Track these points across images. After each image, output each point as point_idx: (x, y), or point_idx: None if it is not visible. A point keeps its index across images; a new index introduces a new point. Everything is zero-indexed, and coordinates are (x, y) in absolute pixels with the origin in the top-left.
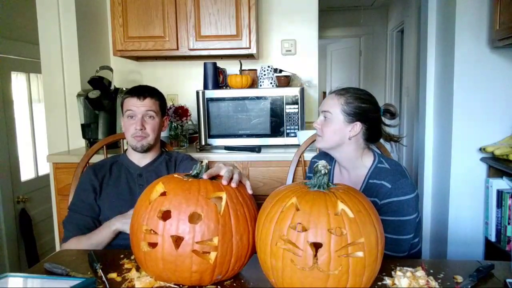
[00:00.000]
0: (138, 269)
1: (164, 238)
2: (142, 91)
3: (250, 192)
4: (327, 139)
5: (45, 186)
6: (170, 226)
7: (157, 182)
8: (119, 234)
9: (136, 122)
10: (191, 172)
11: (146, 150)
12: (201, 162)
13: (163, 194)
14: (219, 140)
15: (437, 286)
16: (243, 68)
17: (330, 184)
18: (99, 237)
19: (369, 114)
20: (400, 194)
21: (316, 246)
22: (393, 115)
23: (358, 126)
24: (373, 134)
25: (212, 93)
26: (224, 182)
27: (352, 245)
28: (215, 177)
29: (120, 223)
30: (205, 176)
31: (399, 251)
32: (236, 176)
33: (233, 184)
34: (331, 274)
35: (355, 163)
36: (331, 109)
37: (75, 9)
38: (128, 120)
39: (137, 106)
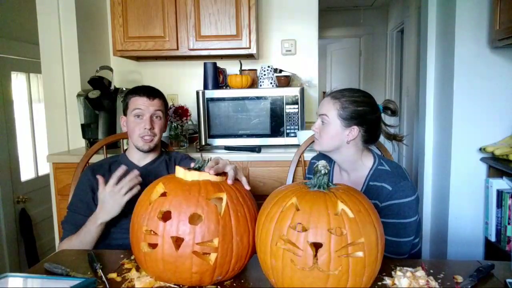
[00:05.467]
0: (138, 269)
1: (164, 239)
2: (152, 91)
3: (247, 188)
4: (325, 143)
5: (45, 186)
6: (170, 227)
7: (157, 183)
8: (119, 235)
9: (145, 122)
10: (193, 165)
11: (150, 150)
12: (204, 159)
13: (163, 194)
14: (219, 140)
15: (437, 286)
16: (243, 68)
17: (330, 184)
18: (88, 234)
19: (366, 117)
20: (401, 197)
21: (316, 246)
22: (393, 112)
23: (355, 130)
24: (372, 136)
25: (212, 93)
26: (229, 181)
27: (352, 245)
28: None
29: (102, 214)
30: (212, 171)
31: (400, 253)
32: (231, 173)
33: (229, 181)
34: (331, 274)
35: (355, 165)
36: (328, 113)
37: (75, 9)
38: (135, 119)
39: (147, 106)
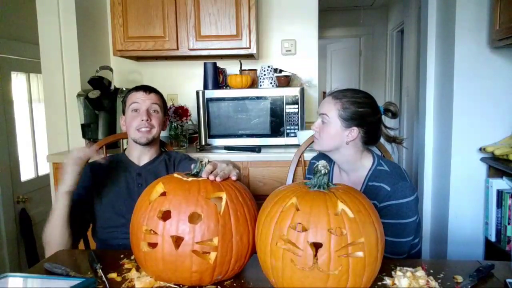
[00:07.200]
0: (138, 269)
1: (164, 238)
2: (148, 87)
3: (233, 178)
4: (324, 142)
5: (45, 186)
6: (170, 226)
7: (157, 182)
8: (119, 235)
9: (141, 114)
10: (191, 171)
11: (148, 143)
12: (201, 161)
13: (163, 194)
14: (219, 140)
15: (437, 286)
16: (243, 68)
17: (330, 184)
18: (56, 209)
19: (367, 118)
20: (400, 197)
21: (316, 246)
22: (394, 115)
23: (355, 131)
24: (372, 137)
25: (212, 93)
26: (233, 178)
27: (352, 245)
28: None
29: (61, 184)
30: (210, 177)
31: (399, 254)
32: (220, 173)
33: (218, 179)
34: (331, 274)
35: (354, 165)
36: (329, 113)
37: (75, 9)
38: (132, 113)
39: (143, 99)
